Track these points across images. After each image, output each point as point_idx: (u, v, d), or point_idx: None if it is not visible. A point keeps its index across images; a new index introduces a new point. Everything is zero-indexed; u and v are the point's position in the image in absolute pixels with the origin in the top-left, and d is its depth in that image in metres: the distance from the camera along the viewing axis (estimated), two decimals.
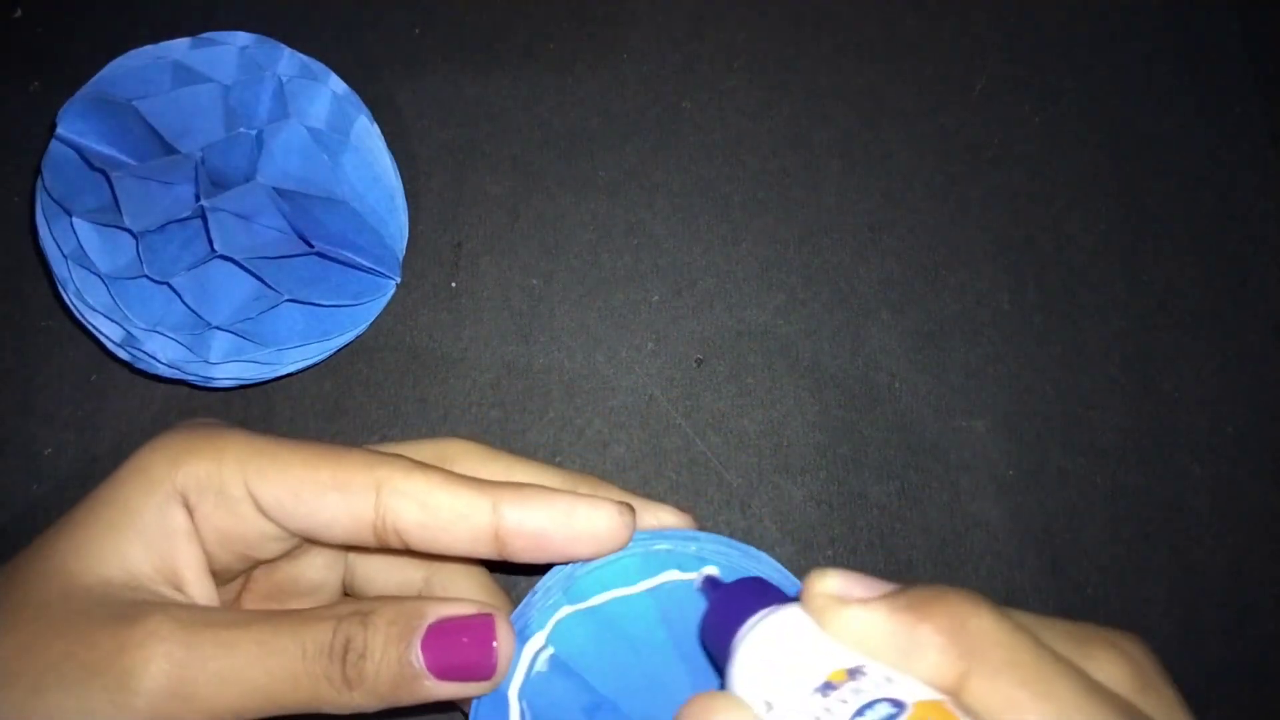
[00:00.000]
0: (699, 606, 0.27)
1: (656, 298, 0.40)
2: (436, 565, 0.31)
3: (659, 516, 0.29)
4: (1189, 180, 0.42)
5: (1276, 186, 0.42)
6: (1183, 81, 0.43)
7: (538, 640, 0.27)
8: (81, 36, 0.42)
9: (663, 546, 0.27)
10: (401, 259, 0.37)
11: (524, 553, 0.26)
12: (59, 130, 0.34)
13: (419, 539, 0.26)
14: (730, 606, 0.25)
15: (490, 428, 0.38)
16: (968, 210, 0.41)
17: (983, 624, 0.21)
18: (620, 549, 0.27)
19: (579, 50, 0.42)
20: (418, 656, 0.25)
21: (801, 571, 0.38)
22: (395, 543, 0.27)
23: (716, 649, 0.24)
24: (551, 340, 0.39)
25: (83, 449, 0.38)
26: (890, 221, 0.41)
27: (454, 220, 0.40)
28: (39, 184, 0.35)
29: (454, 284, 0.40)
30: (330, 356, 0.37)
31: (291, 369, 0.36)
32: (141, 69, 0.35)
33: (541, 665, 0.27)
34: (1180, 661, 0.37)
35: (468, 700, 0.28)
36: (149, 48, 0.35)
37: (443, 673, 0.25)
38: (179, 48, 0.35)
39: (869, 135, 0.42)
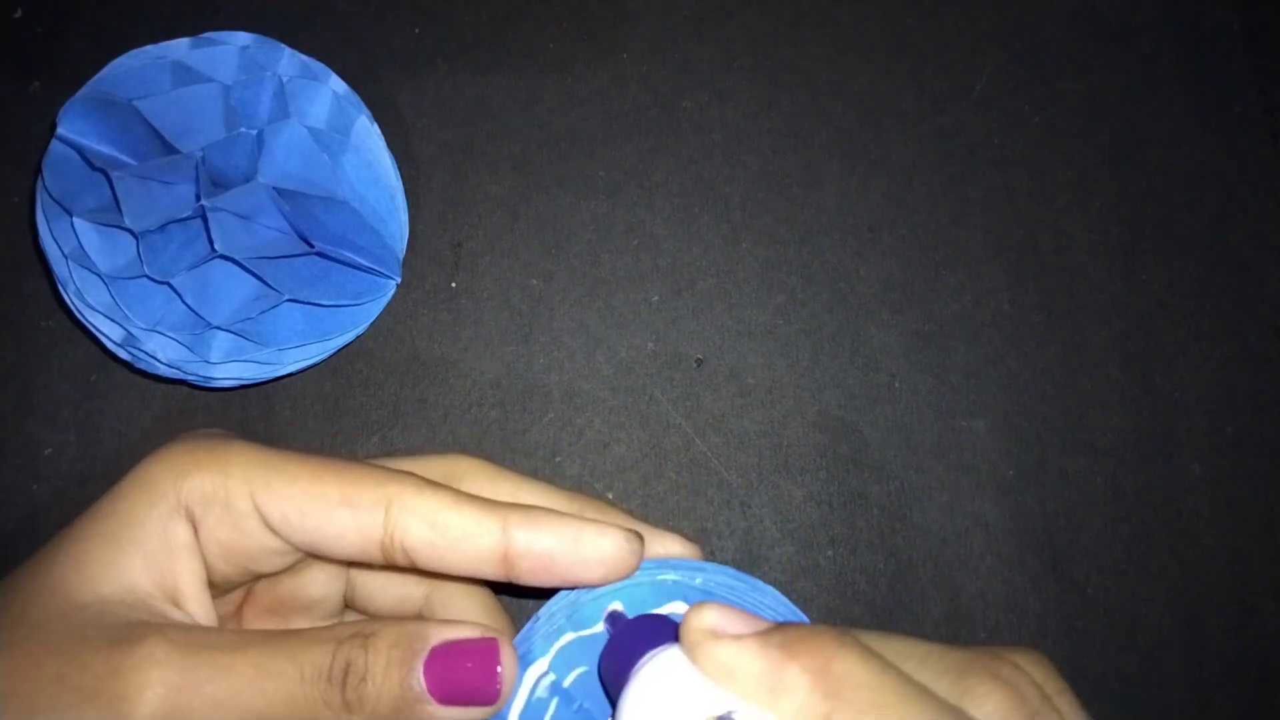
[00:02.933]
0: None
1: (656, 298, 0.40)
2: (439, 582, 0.31)
3: (666, 545, 0.29)
4: (1189, 180, 0.42)
5: (1276, 186, 0.42)
6: (1183, 81, 0.43)
7: (540, 666, 0.27)
8: (81, 36, 0.42)
9: (669, 577, 0.27)
10: (401, 259, 0.37)
11: (531, 575, 0.26)
12: (59, 130, 0.34)
13: (426, 558, 0.26)
14: (626, 644, 0.25)
15: (490, 428, 0.38)
16: (968, 210, 0.41)
17: (848, 664, 0.21)
18: (627, 576, 0.27)
19: (579, 50, 0.42)
20: (419, 680, 0.24)
21: (802, 573, 0.38)
22: (402, 561, 0.27)
23: (612, 688, 0.25)
24: (551, 340, 0.39)
25: (83, 449, 0.38)
26: (890, 221, 0.41)
27: (454, 220, 0.40)
28: (39, 184, 0.35)
29: (454, 284, 0.40)
30: (330, 356, 0.37)
31: (291, 369, 0.36)
32: (142, 69, 0.35)
33: (543, 691, 0.27)
34: (1180, 661, 0.37)
35: None
36: (149, 48, 0.35)
37: (445, 697, 0.25)
38: (179, 48, 0.35)
39: (869, 135, 0.42)
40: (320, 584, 0.30)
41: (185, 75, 0.35)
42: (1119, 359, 0.40)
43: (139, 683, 0.23)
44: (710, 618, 0.23)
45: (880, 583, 0.38)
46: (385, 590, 0.31)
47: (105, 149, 0.34)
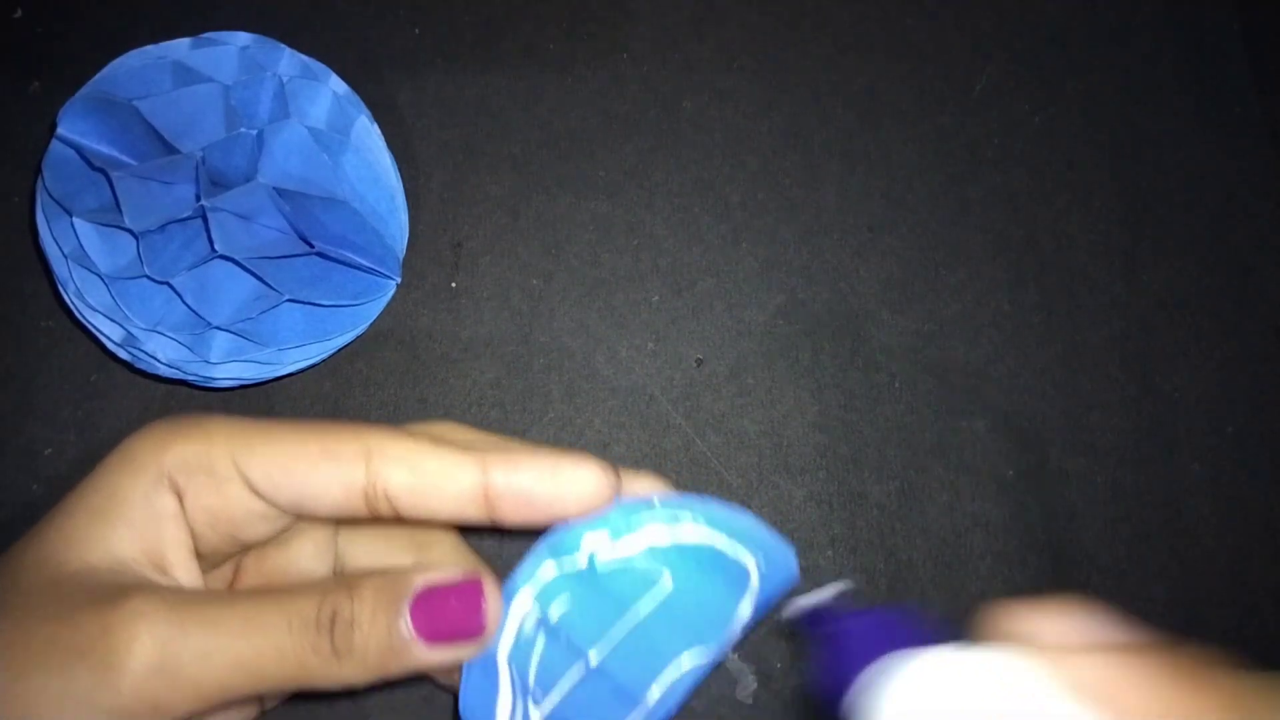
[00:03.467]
0: (687, 566, 0.27)
1: (656, 298, 0.40)
2: (425, 545, 0.32)
3: (640, 484, 0.29)
4: (1189, 180, 0.42)
5: (1276, 186, 0.42)
6: (1183, 81, 0.43)
7: (525, 603, 0.27)
8: (81, 36, 0.42)
9: (648, 510, 0.27)
10: (402, 259, 0.37)
11: (512, 513, 0.27)
12: (59, 130, 0.34)
13: (409, 504, 0.27)
14: (863, 642, 0.22)
15: (490, 428, 0.38)
16: (968, 210, 0.41)
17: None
18: (605, 508, 0.27)
19: (579, 50, 0.42)
20: (407, 623, 0.25)
21: (802, 573, 0.38)
22: (386, 510, 0.27)
23: (835, 693, 0.22)
24: (551, 340, 0.39)
25: (83, 449, 0.38)
26: (890, 221, 0.41)
27: (454, 220, 0.40)
28: (39, 184, 0.35)
29: (454, 284, 0.40)
30: (330, 356, 0.37)
31: (291, 369, 0.36)
32: (142, 69, 0.35)
33: (530, 628, 0.27)
34: None
35: (457, 676, 0.28)
36: (149, 48, 0.35)
37: (432, 637, 0.25)
38: (179, 48, 0.35)
39: (869, 135, 0.42)
40: (308, 556, 0.31)
41: (185, 75, 0.35)
42: (1119, 359, 0.40)
43: (128, 636, 0.24)
44: (1064, 625, 0.19)
45: (880, 583, 0.38)
46: (373, 560, 0.32)
47: (105, 149, 0.34)
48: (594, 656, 0.27)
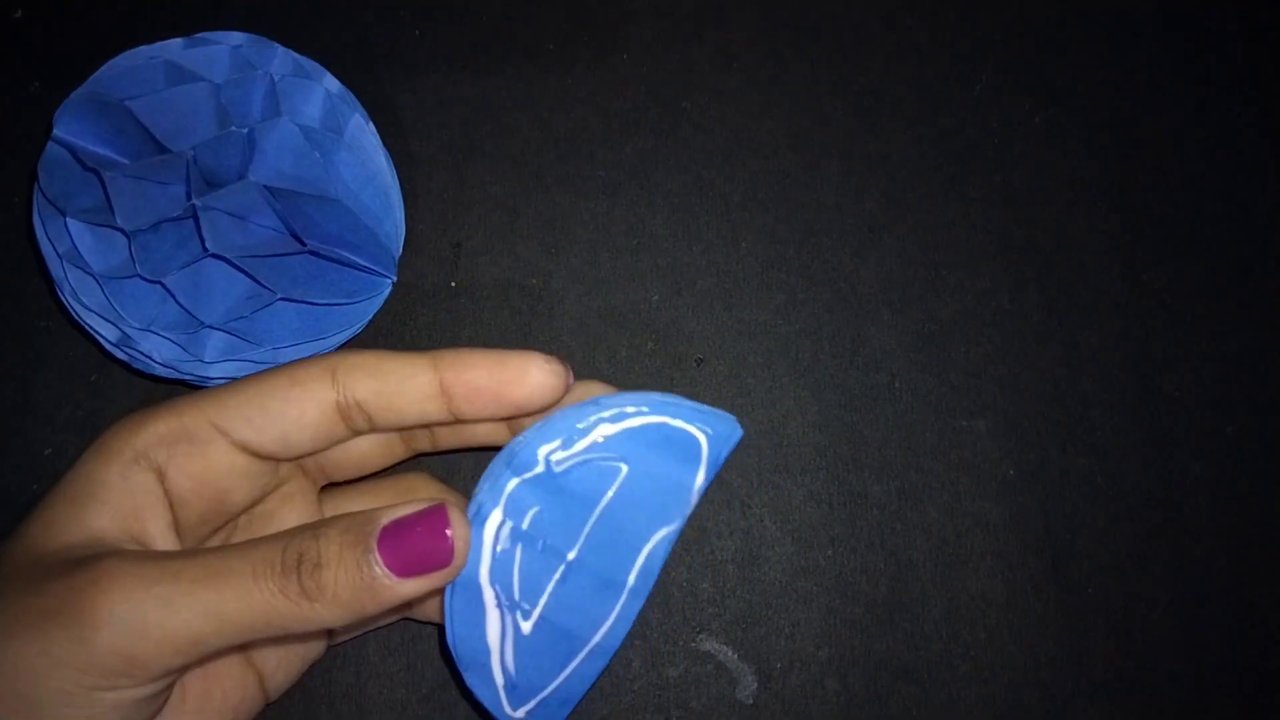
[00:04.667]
0: (639, 449, 0.28)
1: (656, 298, 0.40)
2: (409, 493, 0.33)
3: (588, 389, 0.30)
4: (1189, 180, 0.42)
5: (1276, 186, 0.42)
6: (1183, 81, 0.43)
7: (495, 517, 0.28)
8: (81, 36, 0.42)
9: (595, 411, 0.28)
10: (397, 258, 0.37)
11: (468, 404, 0.28)
12: (55, 131, 0.34)
13: (378, 408, 0.28)
14: None
15: None
16: (968, 210, 0.41)
17: None
18: (556, 399, 0.28)
19: (579, 50, 0.42)
20: (375, 558, 0.25)
21: (802, 573, 0.38)
22: (362, 422, 0.29)
23: None
24: (551, 340, 0.39)
25: (82, 449, 0.38)
26: (890, 221, 0.41)
27: (453, 220, 0.40)
28: (35, 184, 0.35)
29: (453, 284, 0.40)
30: None
31: None
32: (135, 69, 0.35)
33: (505, 542, 0.28)
34: (1180, 661, 0.37)
35: (437, 612, 0.28)
36: (144, 48, 0.35)
37: (403, 568, 0.25)
38: (173, 47, 0.35)
39: (869, 135, 0.42)
40: (294, 524, 0.31)
41: (177, 75, 0.35)
42: (1119, 359, 0.40)
43: (96, 594, 0.24)
44: None
45: (880, 583, 0.37)
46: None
47: (99, 149, 0.34)
48: (571, 554, 0.28)
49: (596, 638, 0.29)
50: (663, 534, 0.29)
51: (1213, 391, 0.40)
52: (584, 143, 0.41)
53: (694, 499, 0.29)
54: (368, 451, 0.32)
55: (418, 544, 0.25)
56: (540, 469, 0.28)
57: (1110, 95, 0.43)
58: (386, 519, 0.26)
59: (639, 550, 0.29)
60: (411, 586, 0.25)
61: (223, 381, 0.36)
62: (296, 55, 0.36)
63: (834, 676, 0.37)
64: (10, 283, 0.39)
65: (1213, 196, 0.42)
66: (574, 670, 0.29)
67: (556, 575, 0.28)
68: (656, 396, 0.29)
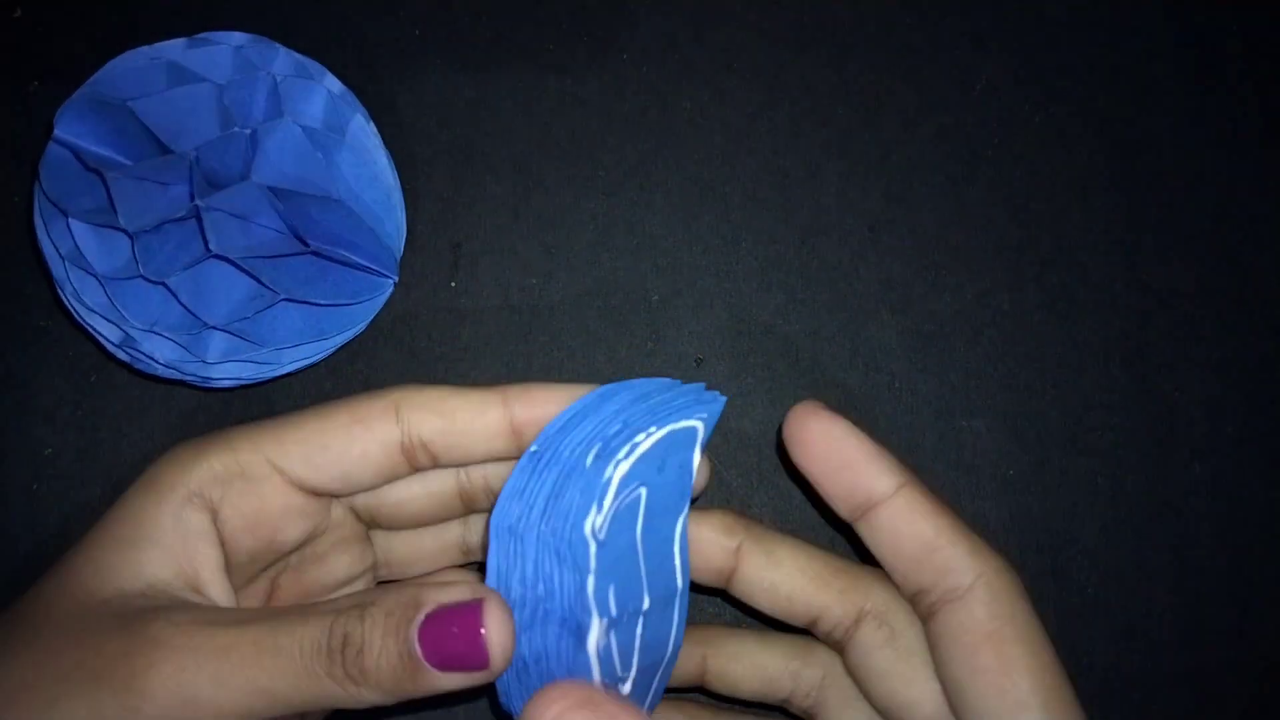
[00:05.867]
0: (651, 468, 0.27)
1: (656, 298, 0.40)
2: (470, 519, 0.32)
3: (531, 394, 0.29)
4: (1189, 180, 0.42)
5: (1277, 186, 0.42)
6: (1183, 81, 0.43)
7: (595, 629, 0.26)
8: (81, 36, 0.42)
9: (611, 465, 0.27)
10: (399, 258, 0.37)
11: None
12: (56, 131, 0.34)
13: (444, 447, 0.27)
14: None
15: None
16: (968, 210, 0.41)
17: None
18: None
19: (579, 50, 0.42)
20: (416, 649, 0.24)
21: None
22: (425, 460, 0.28)
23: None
24: (551, 340, 0.39)
25: (83, 449, 0.38)
26: (890, 221, 0.41)
27: (453, 220, 0.40)
28: (36, 185, 0.35)
29: (454, 284, 0.40)
30: (329, 356, 0.37)
31: (290, 368, 0.36)
32: (137, 70, 0.35)
33: (602, 638, 0.26)
34: (1180, 661, 0.37)
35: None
36: (145, 48, 0.35)
37: (441, 664, 0.24)
38: (175, 48, 0.35)
39: (869, 135, 0.42)
40: (344, 567, 0.30)
41: (179, 75, 0.35)
42: (1119, 359, 0.40)
43: (146, 664, 0.24)
44: None
45: None
46: (418, 541, 0.32)
47: (101, 150, 0.34)
48: (645, 605, 0.27)
49: (669, 651, 0.29)
50: (681, 521, 0.29)
51: (1213, 391, 0.40)
52: (584, 143, 0.41)
53: (695, 474, 0.29)
54: (423, 510, 0.31)
55: (452, 643, 0.24)
56: (594, 547, 0.26)
57: (1110, 95, 0.43)
58: (432, 603, 0.24)
59: (674, 553, 0.28)
60: (451, 681, 0.24)
61: (225, 382, 0.36)
62: (298, 56, 0.36)
63: None
64: (11, 282, 0.39)
65: (1213, 196, 0.42)
66: (655, 688, 0.29)
67: (639, 630, 0.27)
68: (661, 411, 0.28)
